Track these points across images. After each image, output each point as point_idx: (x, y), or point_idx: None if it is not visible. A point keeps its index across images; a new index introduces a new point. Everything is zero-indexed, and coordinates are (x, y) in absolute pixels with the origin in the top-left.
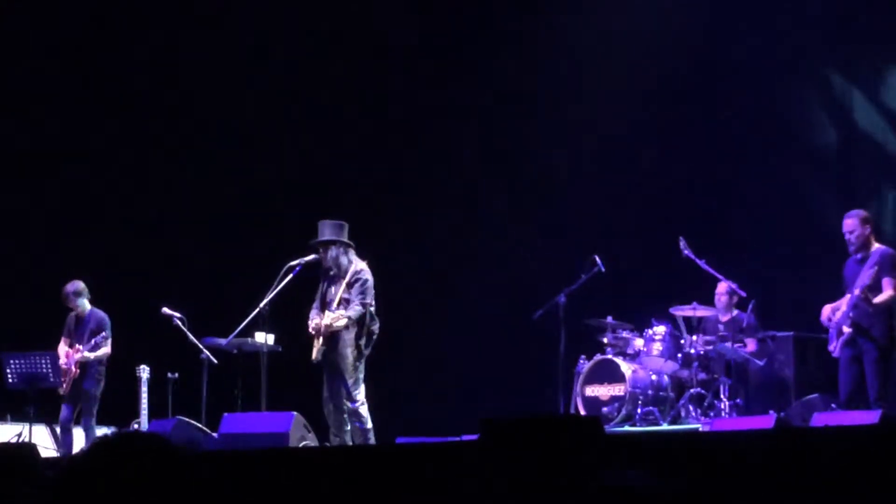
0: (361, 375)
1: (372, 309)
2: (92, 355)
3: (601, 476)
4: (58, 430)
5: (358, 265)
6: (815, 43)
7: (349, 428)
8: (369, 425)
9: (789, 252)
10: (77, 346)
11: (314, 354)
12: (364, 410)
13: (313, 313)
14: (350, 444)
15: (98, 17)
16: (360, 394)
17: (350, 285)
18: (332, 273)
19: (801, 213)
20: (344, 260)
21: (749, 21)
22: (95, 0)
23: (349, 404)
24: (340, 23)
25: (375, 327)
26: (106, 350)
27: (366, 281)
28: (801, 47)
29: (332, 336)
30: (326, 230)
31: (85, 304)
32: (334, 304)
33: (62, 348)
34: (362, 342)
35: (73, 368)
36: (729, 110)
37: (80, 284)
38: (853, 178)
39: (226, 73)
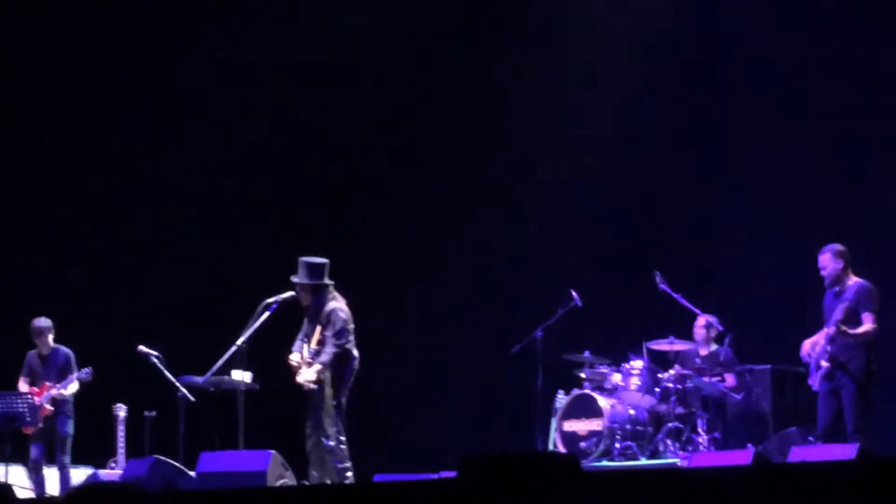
0: (339, 415)
1: (349, 346)
2: (67, 392)
3: None
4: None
5: (331, 304)
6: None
7: (326, 465)
8: (347, 464)
9: (766, 285)
10: (46, 384)
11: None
12: (341, 449)
13: (297, 345)
14: (328, 479)
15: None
16: (338, 432)
17: (325, 326)
18: (311, 311)
19: (779, 244)
20: (322, 301)
21: (732, 54)
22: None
23: (325, 442)
24: (329, 50)
25: (355, 364)
26: (76, 386)
27: (337, 320)
28: (779, 79)
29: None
30: (305, 272)
31: (51, 342)
32: (312, 344)
33: (23, 387)
34: (338, 380)
35: (47, 406)
36: (704, 142)
37: (49, 321)
38: (832, 208)
39: (206, 108)
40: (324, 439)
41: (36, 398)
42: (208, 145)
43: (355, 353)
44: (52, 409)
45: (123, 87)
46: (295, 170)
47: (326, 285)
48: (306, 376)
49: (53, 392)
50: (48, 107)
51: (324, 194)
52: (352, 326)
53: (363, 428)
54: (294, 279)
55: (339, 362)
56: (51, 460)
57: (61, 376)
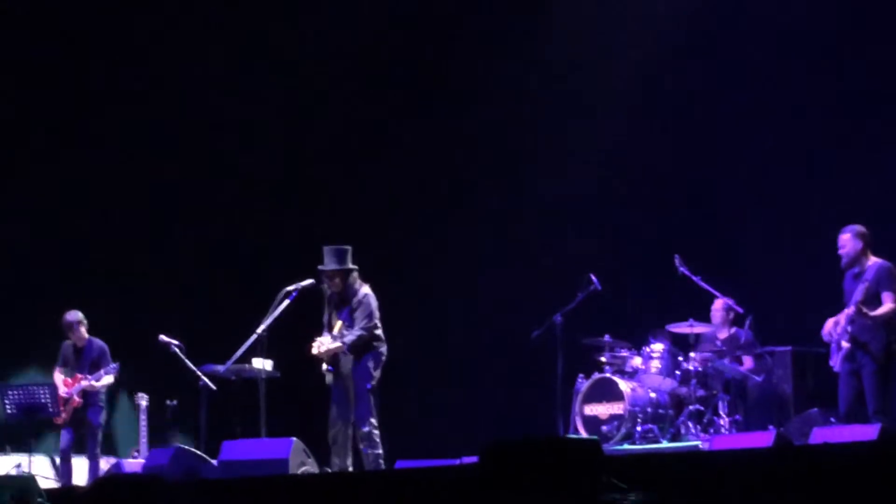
0: (372, 399)
1: (378, 331)
2: (98, 384)
3: (602, 498)
4: (57, 459)
5: (363, 290)
6: (811, 55)
7: (349, 453)
8: (380, 450)
9: (786, 266)
10: (78, 375)
11: (327, 379)
12: (375, 435)
13: (325, 334)
14: (349, 467)
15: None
16: (372, 418)
17: (354, 310)
18: (337, 299)
19: (799, 226)
20: (350, 286)
21: (749, 39)
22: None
23: (362, 428)
24: (333, 44)
25: (384, 349)
26: (110, 379)
27: (369, 305)
28: (799, 58)
29: (335, 361)
30: (334, 258)
31: (84, 333)
32: (336, 330)
33: (58, 377)
34: (370, 364)
35: (76, 398)
36: (724, 124)
37: (80, 314)
38: (852, 188)
39: (223, 101)
40: (359, 426)
41: (66, 389)
42: (228, 136)
43: (383, 338)
44: (81, 400)
45: (140, 77)
46: (314, 158)
47: (354, 269)
48: (324, 346)
49: (84, 384)
50: (68, 96)
51: (342, 181)
52: (378, 313)
53: (385, 415)
54: (324, 268)
55: (367, 348)
56: (79, 450)
57: (94, 368)
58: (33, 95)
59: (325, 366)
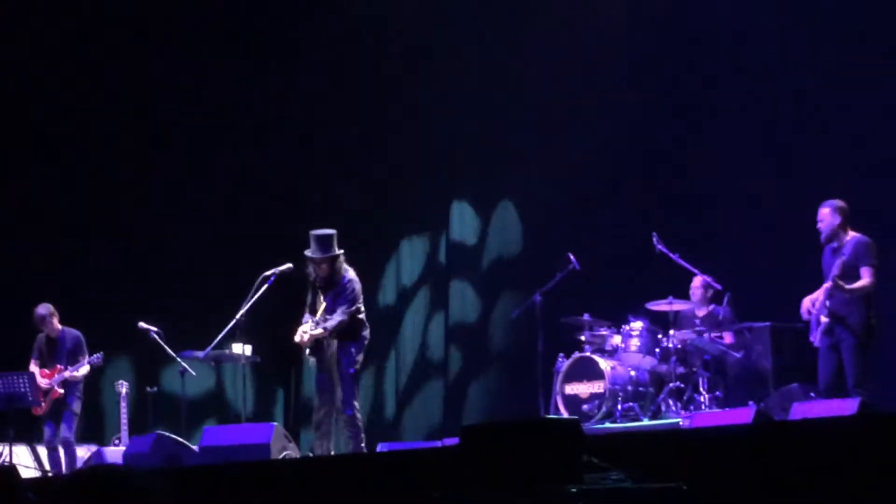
0: (356, 384)
1: (361, 316)
2: (79, 374)
3: (583, 478)
4: (39, 449)
5: (349, 274)
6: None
7: (332, 437)
8: (363, 433)
9: (764, 242)
10: (58, 366)
11: (310, 362)
12: (358, 420)
13: (306, 318)
14: (332, 451)
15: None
16: (356, 401)
17: (338, 294)
18: (323, 282)
19: (776, 203)
20: (337, 271)
21: (728, 14)
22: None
23: (346, 412)
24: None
25: (366, 333)
26: (88, 368)
27: (353, 290)
28: (778, 43)
29: (318, 346)
30: (321, 245)
31: (57, 325)
32: (319, 314)
33: (33, 369)
34: (354, 349)
35: (57, 388)
36: (700, 100)
37: (51, 306)
38: (829, 167)
39: (195, 95)
40: (343, 410)
41: (46, 380)
42: (204, 126)
43: (366, 322)
44: (63, 391)
45: (136, 75)
46: (289, 146)
47: (340, 254)
48: (307, 334)
49: (66, 374)
50: (67, 94)
51: (324, 168)
52: (362, 297)
53: (367, 398)
54: (312, 255)
55: (350, 332)
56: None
57: (72, 358)
58: (33, 92)
59: (307, 351)
